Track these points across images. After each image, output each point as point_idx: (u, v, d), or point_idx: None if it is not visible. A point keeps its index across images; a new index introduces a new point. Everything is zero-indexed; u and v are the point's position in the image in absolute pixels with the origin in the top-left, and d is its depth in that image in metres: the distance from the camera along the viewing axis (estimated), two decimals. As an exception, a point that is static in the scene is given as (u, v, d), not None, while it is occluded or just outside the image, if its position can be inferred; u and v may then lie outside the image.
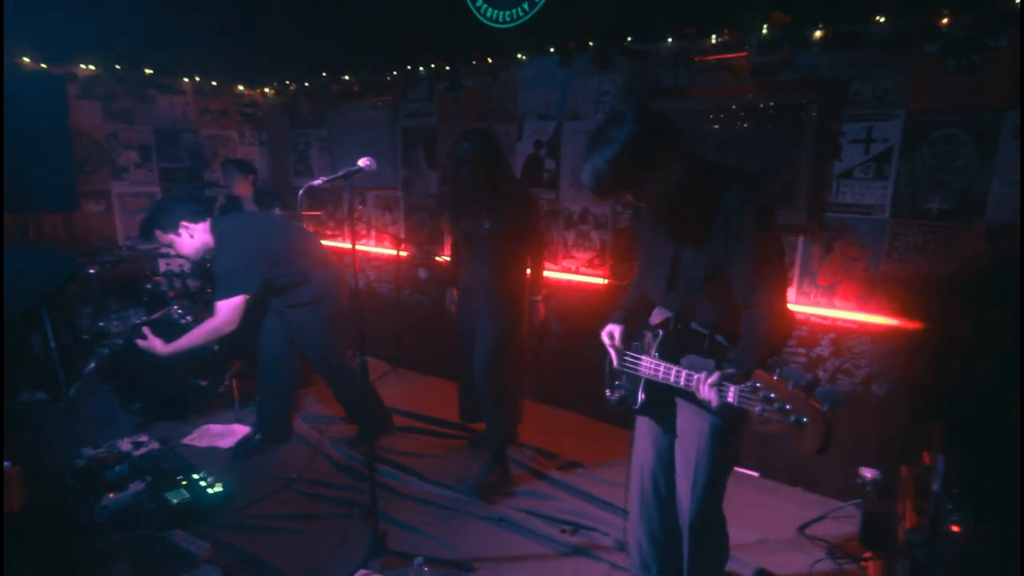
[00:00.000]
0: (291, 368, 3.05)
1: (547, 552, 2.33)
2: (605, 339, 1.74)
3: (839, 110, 2.52)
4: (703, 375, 1.38)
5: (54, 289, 3.40)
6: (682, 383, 1.46)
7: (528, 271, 2.74)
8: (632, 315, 1.77)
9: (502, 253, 2.59)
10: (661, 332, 1.59)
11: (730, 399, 1.30)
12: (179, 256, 2.65)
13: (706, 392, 1.37)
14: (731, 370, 1.34)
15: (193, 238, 2.54)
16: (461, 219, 2.65)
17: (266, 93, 5.03)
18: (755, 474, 2.89)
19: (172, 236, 2.52)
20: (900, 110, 2.40)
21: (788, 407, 1.21)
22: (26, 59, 3.65)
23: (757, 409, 1.25)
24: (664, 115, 1.44)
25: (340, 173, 1.96)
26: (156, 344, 2.54)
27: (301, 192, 1.95)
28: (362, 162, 1.97)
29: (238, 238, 2.57)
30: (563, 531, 2.43)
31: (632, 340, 1.71)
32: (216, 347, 3.32)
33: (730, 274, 1.46)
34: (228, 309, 2.46)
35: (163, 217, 2.52)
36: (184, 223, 2.52)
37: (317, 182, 1.94)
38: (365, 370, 2.12)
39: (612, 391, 1.82)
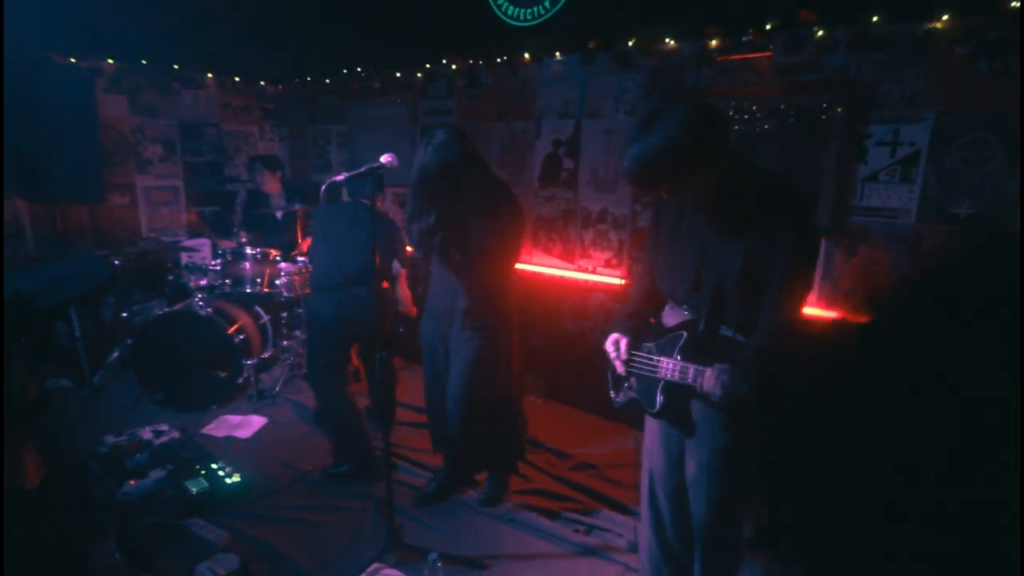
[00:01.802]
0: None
1: (560, 552, 2.33)
2: (610, 348, 1.71)
3: (865, 112, 2.48)
4: (712, 369, 1.40)
5: (89, 288, 3.73)
6: (689, 379, 1.48)
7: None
8: (638, 320, 1.74)
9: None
10: (685, 334, 1.55)
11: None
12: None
13: (709, 384, 1.40)
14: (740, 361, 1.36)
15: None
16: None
17: (287, 89, 5.08)
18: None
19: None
20: (929, 112, 2.35)
21: None
22: (57, 53, 3.73)
23: None
24: (717, 107, 1.39)
25: (363, 169, 1.98)
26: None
27: (324, 187, 1.97)
28: (384, 158, 1.98)
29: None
30: (576, 531, 2.42)
31: (644, 342, 1.67)
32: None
33: (763, 278, 1.44)
34: None
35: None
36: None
37: (340, 177, 1.96)
38: (389, 366, 2.14)
39: (618, 393, 1.78)
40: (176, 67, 4.39)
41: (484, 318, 2.29)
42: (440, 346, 2.42)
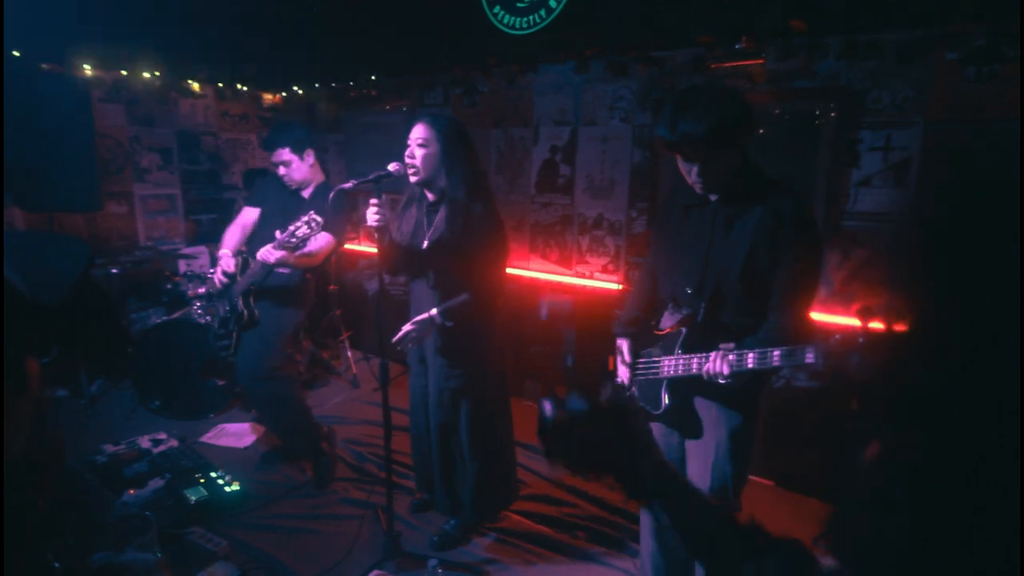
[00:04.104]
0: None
1: (560, 557, 2.33)
2: (618, 359, 1.74)
3: (857, 118, 2.52)
4: (716, 352, 1.44)
5: (79, 275, 3.63)
6: (694, 369, 1.50)
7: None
8: (635, 326, 1.76)
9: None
10: (684, 330, 1.58)
11: (749, 364, 1.35)
12: (289, 177, 2.73)
13: (716, 366, 1.42)
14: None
15: (306, 164, 2.76)
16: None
17: (284, 97, 5.10)
18: (770, 483, 2.87)
19: (295, 157, 2.69)
20: (919, 118, 2.39)
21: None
22: (54, 62, 3.74)
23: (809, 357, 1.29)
24: None
25: (370, 177, 2.00)
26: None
27: (332, 194, 1.99)
28: (391, 167, 2.01)
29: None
30: (575, 537, 2.43)
31: (643, 348, 1.69)
32: None
33: (769, 278, 1.47)
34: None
35: (299, 135, 2.70)
36: (310, 150, 2.76)
37: (348, 185, 1.99)
38: (386, 371, 2.15)
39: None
40: (174, 76, 4.40)
41: (468, 338, 2.15)
42: (420, 364, 2.33)
